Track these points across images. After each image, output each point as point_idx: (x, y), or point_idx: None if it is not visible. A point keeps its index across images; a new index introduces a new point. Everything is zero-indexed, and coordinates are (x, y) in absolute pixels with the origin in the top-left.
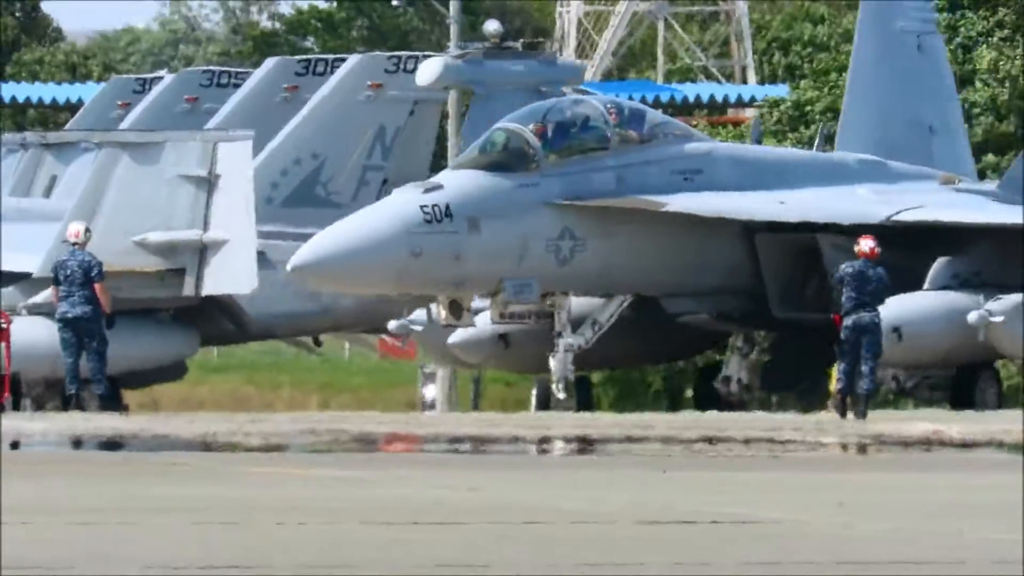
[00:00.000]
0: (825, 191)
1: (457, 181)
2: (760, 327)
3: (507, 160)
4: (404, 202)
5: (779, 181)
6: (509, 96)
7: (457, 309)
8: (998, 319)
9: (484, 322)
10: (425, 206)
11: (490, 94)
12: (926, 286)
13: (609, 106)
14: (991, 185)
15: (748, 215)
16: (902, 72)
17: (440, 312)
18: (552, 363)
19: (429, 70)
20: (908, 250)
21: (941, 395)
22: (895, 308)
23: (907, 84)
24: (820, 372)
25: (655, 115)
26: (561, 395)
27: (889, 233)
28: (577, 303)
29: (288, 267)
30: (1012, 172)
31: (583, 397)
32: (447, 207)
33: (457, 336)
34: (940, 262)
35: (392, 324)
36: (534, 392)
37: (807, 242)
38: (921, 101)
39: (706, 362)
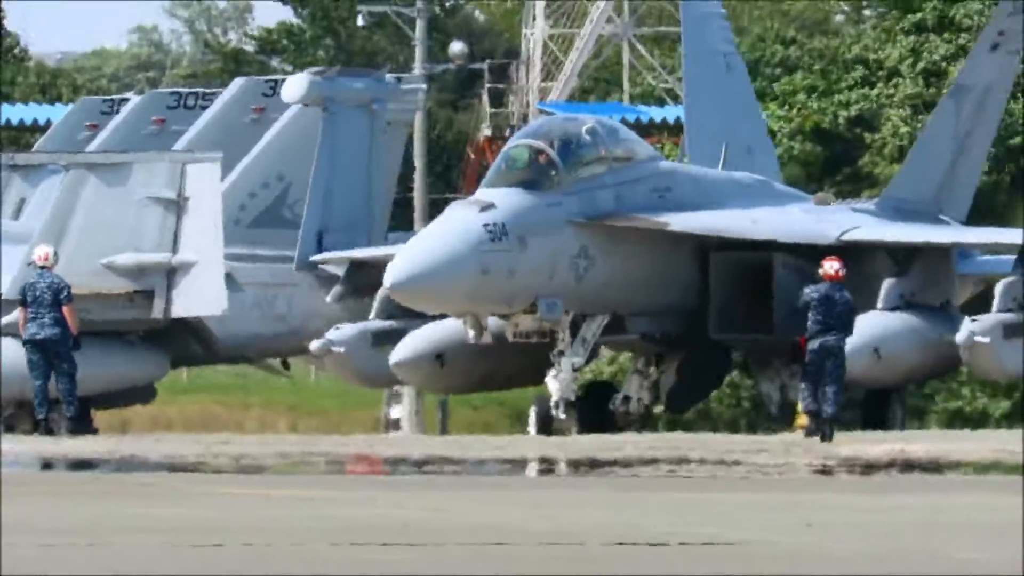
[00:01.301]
0: (771, 210)
1: (504, 199)
2: (686, 347)
3: (535, 178)
4: (468, 220)
5: (726, 200)
6: (348, 113)
7: (479, 327)
8: (983, 339)
9: (421, 341)
10: (487, 224)
11: (336, 111)
12: (880, 305)
13: (602, 125)
14: (867, 204)
15: (738, 234)
16: (720, 93)
17: (469, 330)
18: (552, 383)
19: (295, 86)
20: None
21: (852, 415)
22: (873, 328)
23: (724, 105)
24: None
25: (629, 133)
26: (562, 415)
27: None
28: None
29: (387, 285)
30: (889, 191)
31: (584, 418)
32: (503, 225)
33: (397, 356)
34: (889, 282)
35: (314, 344)
36: (532, 412)
37: (760, 261)
38: (739, 120)
39: (590, 381)
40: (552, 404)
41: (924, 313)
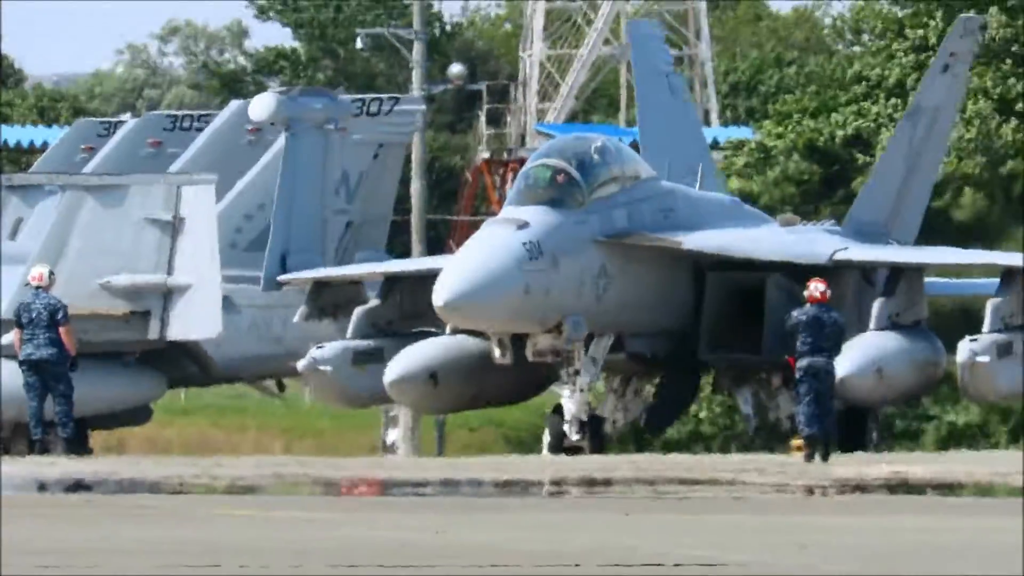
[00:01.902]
0: (765, 230)
1: (535, 218)
2: (675, 368)
3: (560, 196)
4: (507, 238)
5: (715, 220)
6: (308, 133)
7: (506, 346)
8: (984, 359)
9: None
10: (525, 243)
11: (296, 131)
12: (873, 325)
13: (611, 143)
14: (828, 224)
15: (744, 253)
16: (664, 113)
17: (496, 349)
18: (568, 402)
19: (262, 106)
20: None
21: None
22: (875, 348)
23: (668, 125)
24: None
25: (633, 152)
26: (575, 436)
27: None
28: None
29: (439, 303)
30: (851, 213)
31: (596, 437)
32: (539, 244)
33: (393, 374)
34: (880, 303)
35: (300, 363)
36: (546, 433)
37: (752, 282)
38: (684, 140)
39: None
40: (566, 423)
41: (909, 333)
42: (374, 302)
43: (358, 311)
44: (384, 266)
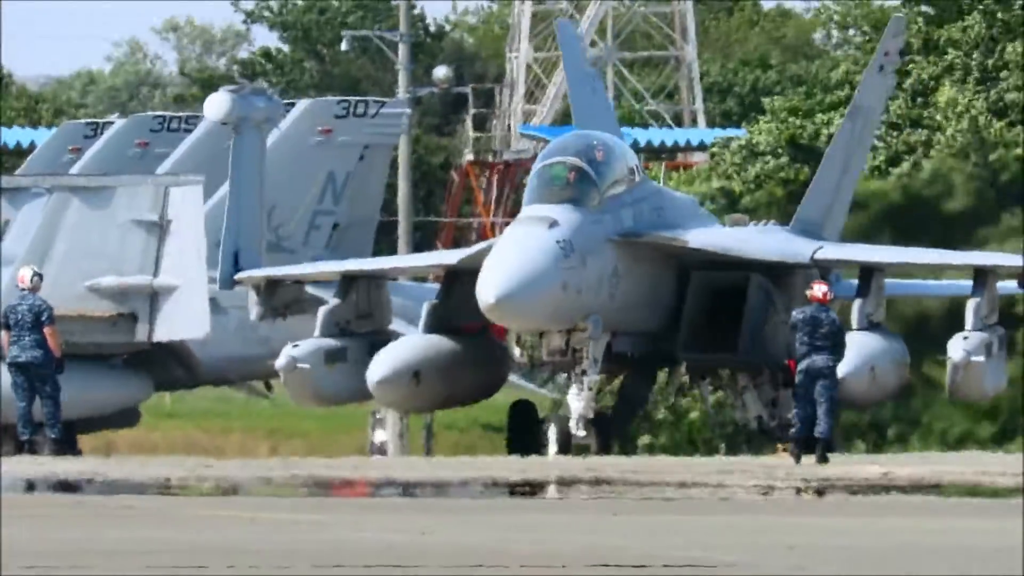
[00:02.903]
0: (743, 230)
1: (562, 216)
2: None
3: (578, 195)
4: (542, 237)
5: (690, 220)
6: (250, 131)
7: (524, 346)
8: (979, 359)
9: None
10: (559, 241)
11: (243, 131)
12: (855, 326)
13: (615, 142)
14: (770, 224)
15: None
16: (590, 113)
17: (516, 349)
18: (574, 401)
19: (218, 105)
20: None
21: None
22: (868, 348)
23: (597, 124)
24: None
25: (631, 151)
26: (581, 433)
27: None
28: None
29: (487, 302)
30: (800, 211)
31: (603, 436)
32: (570, 243)
33: (378, 374)
34: (859, 303)
35: (279, 362)
36: (552, 432)
37: (736, 282)
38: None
39: (515, 401)
40: (572, 422)
41: (884, 333)
42: (334, 301)
43: (323, 310)
44: (338, 265)
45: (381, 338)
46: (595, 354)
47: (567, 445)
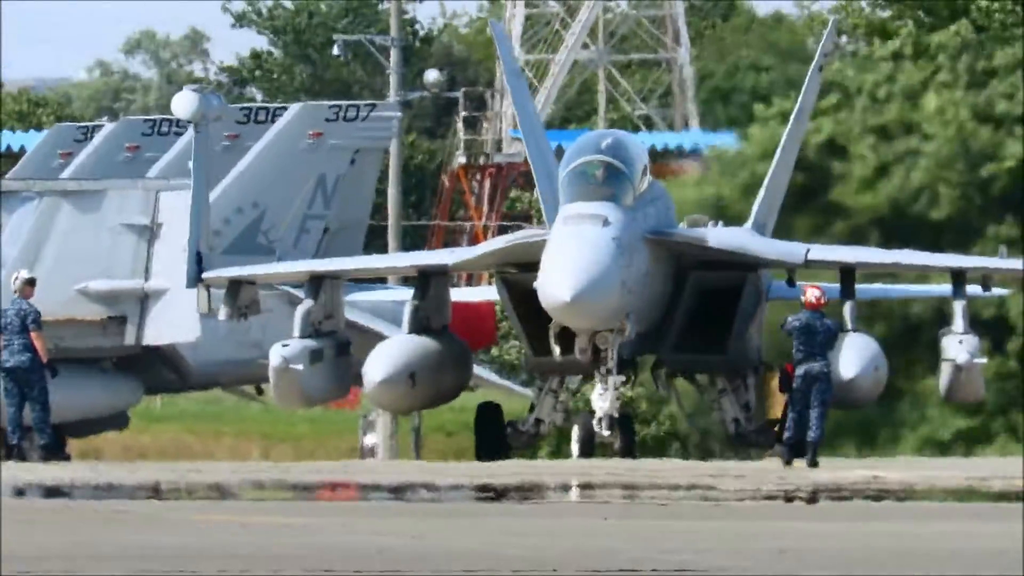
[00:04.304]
0: (737, 229)
1: (610, 214)
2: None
3: (617, 193)
4: (599, 235)
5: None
6: (205, 130)
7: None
8: (982, 360)
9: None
10: (614, 238)
11: (201, 130)
12: (851, 326)
13: (638, 141)
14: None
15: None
16: (524, 111)
17: (555, 347)
18: (599, 400)
19: (186, 103)
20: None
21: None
22: (872, 349)
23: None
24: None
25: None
26: (606, 432)
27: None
28: None
29: (560, 301)
30: (758, 211)
31: (627, 436)
32: (622, 241)
33: (377, 375)
34: (850, 304)
35: (274, 361)
36: (576, 432)
37: (731, 282)
38: (528, 143)
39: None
40: (596, 421)
41: (868, 334)
42: (308, 302)
43: (300, 310)
44: (306, 265)
45: (343, 338)
46: (617, 353)
47: (591, 445)
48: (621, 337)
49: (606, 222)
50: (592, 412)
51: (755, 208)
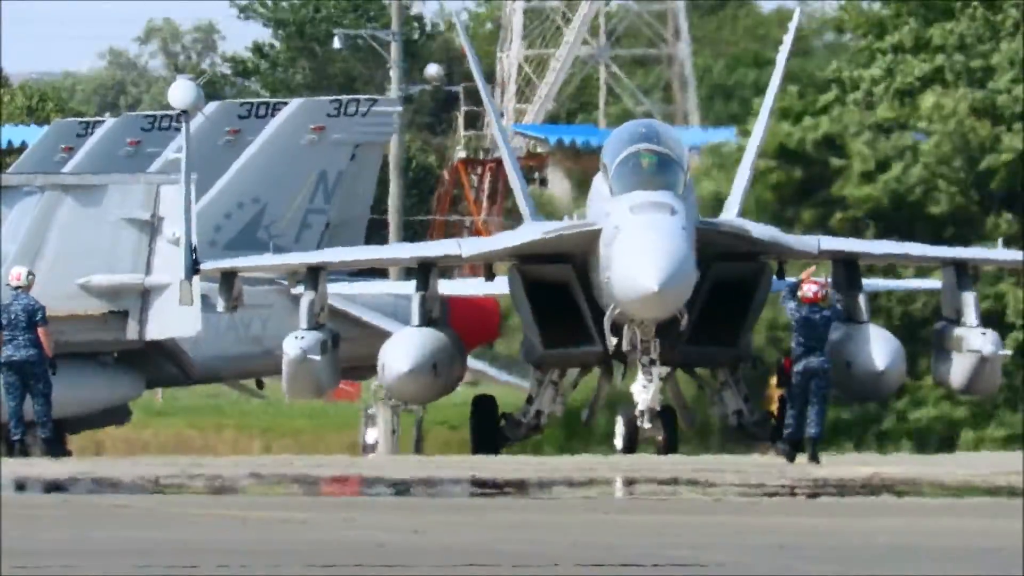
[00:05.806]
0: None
1: (674, 204)
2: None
3: (674, 182)
4: (672, 223)
5: None
6: (189, 121)
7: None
8: (1006, 352)
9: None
10: (684, 228)
11: (189, 119)
12: (866, 318)
13: (667, 127)
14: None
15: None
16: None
17: (612, 338)
18: (641, 393)
19: (183, 93)
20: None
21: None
22: (894, 341)
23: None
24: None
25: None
26: (647, 424)
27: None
28: None
29: (647, 290)
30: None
31: (669, 429)
32: (687, 230)
33: (403, 367)
34: (863, 297)
35: (293, 352)
36: (619, 426)
37: (753, 273)
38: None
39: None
40: (638, 414)
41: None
42: (310, 293)
43: (305, 301)
44: (301, 257)
45: (335, 330)
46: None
47: (634, 438)
48: (678, 327)
49: (673, 211)
50: (634, 405)
51: (740, 199)
